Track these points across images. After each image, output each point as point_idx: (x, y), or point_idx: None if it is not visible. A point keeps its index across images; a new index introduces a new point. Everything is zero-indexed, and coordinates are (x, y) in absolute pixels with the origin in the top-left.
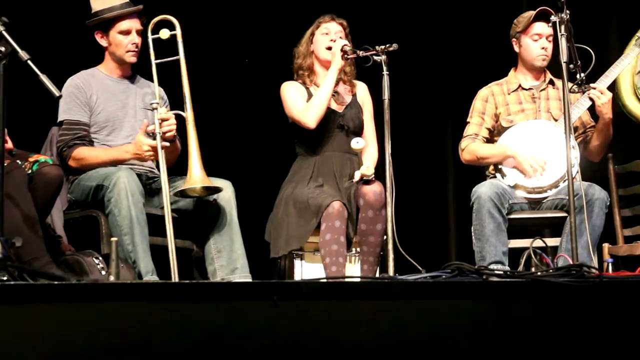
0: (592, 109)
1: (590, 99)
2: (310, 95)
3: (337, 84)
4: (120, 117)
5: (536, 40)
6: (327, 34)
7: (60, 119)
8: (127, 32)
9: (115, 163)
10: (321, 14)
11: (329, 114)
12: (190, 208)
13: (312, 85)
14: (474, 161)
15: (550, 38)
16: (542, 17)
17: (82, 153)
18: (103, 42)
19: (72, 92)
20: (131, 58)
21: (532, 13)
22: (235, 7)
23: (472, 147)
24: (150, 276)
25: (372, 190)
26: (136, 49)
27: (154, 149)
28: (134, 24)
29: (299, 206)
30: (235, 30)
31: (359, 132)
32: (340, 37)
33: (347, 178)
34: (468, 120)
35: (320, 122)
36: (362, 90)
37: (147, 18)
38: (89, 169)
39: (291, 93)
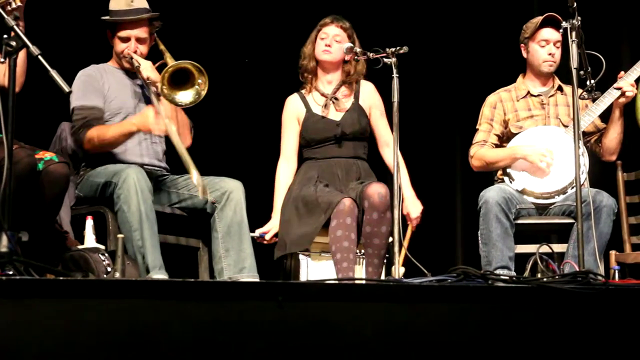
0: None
1: (619, 88)
2: (307, 108)
3: (338, 88)
4: (133, 104)
5: (543, 46)
6: (323, 38)
7: (73, 105)
8: (126, 39)
9: (124, 137)
10: (329, 14)
11: (327, 123)
12: (200, 207)
13: (313, 90)
14: (483, 167)
15: (559, 44)
16: (552, 23)
17: (92, 133)
18: (111, 42)
19: (85, 80)
20: (126, 64)
21: (540, 19)
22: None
23: (480, 153)
24: (158, 270)
25: (377, 192)
26: (130, 57)
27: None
28: (134, 32)
29: (309, 205)
30: (246, 30)
31: (360, 137)
32: (337, 41)
33: (352, 181)
34: (477, 127)
35: (320, 131)
36: (367, 91)
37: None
38: (101, 149)
39: (284, 129)
